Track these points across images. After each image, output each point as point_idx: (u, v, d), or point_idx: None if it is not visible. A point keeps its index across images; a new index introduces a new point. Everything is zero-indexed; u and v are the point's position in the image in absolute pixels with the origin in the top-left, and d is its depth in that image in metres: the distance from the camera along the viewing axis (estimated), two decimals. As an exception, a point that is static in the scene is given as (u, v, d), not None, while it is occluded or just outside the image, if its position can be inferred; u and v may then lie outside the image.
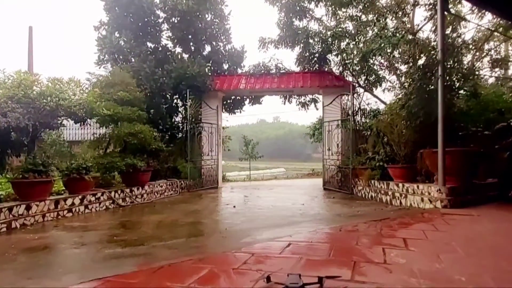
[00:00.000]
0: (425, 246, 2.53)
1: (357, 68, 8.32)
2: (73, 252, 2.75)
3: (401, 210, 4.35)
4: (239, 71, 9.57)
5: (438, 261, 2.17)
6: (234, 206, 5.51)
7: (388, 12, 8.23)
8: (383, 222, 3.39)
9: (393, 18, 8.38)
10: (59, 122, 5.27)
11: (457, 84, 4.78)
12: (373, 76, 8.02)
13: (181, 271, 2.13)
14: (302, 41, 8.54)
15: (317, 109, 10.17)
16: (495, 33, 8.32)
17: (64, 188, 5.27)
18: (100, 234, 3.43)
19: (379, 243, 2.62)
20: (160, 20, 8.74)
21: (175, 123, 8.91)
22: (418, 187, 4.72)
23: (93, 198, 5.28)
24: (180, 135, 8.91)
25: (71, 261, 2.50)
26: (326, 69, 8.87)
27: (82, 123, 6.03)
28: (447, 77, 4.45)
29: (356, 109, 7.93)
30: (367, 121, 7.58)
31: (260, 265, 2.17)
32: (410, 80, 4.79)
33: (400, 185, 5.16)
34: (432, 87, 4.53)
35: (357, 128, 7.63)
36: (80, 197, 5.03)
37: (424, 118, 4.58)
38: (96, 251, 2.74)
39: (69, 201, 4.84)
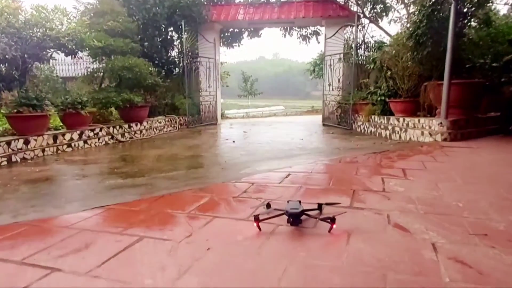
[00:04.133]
0: (424, 175, 2.55)
1: (363, -4, 7.77)
2: (75, 183, 2.78)
3: (400, 144, 4.36)
4: (237, 0, 8.95)
5: (436, 189, 2.19)
6: (234, 141, 5.52)
7: None
8: (382, 154, 3.39)
9: None
10: (48, 54, 5.03)
11: (471, 10, 4.47)
12: (380, 5, 7.51)
13: (182, 199, 2.15)
14: (305, -35, 7.85)
15: (318, 42, 9.75)
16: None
17: (61, 124, 5.22)
18: (101, 167, 3.45)
19: (378, 173, 2.63)
20: None
21: (171, 57, 8.57)
22: (419, 121, 4.67)
23: (91, 134, 5.25)
24: (177, 71, 8.64)
25: (73, 191, 2.53)
26: (330, -2, 8.29)
27: (73, 56, 5.78)
28: (460, 2, 4.14)
29: (360, 42, 7.59)
30: (371, 54, 7.29)
31: (260, 194, 2.19)
32: (420, 6, 4.46)
33: (401, 119, 5.12)
34: (443, 14, 4.24)
35: (360, 62, 7.36)
36: (78, 132, 4.99)
37: (432, 48, 4.36)
38: (98, 182, 2.76)
39: (67, 136, 4.81)
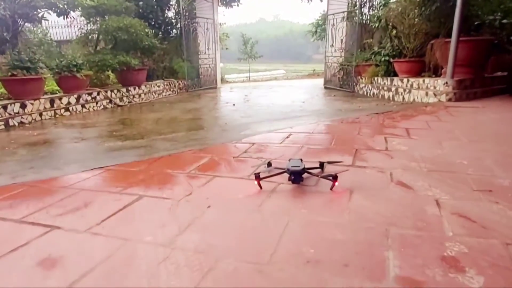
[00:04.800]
0: (428, 135, 2.50)
1: None
2: (74, 146, 2.75)
3: (404, 105, 4.28)
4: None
5: (440, 147, 2.15)
6: (234, 104, 5.44)
7: None
8: (385, 115, 3.33)
9: None
10: (40, 14, 4.82)
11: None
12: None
13: (182, 160, 2.13)
14: None
15: (321, 0, 9.33)
16: None
17: (58, 88, 5.12)
18: (99, 130, 3.41)
19: (381, 133, 2.58)
20: None
21: (168, 18, 8.25)
22: (423, 81, 4.55)
23: (89, 98, 5.16)
24: (174, 32, 8.35)
25: (72, 154, 2.50)
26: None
27: (66, 17, 5.55)
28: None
29: (364, 0, 7.25)
30: (375, 12, 6.99)
31: (260, 153, 2.16)
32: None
33: (405, 80, 4.99)
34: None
35: (364, 21, 7.08)
36: (75, 96, 4.91)
37: (440, 3, 4.15)
38: (96, 145, 2.73)
39: (64, 100, 4.74)
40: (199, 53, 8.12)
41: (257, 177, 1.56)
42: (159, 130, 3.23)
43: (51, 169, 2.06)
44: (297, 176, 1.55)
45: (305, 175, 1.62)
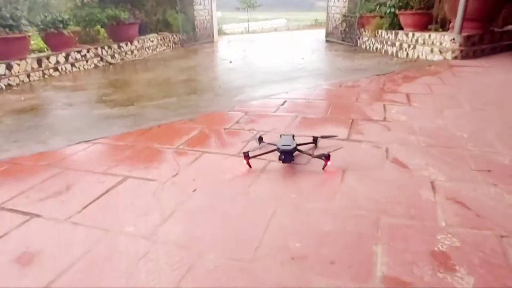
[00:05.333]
0: (429, 101, 2.39)
1: None
2: (60, 114, 2.65)
3: (407, 63, 4.09)
4: None
5: (441, 117, 2.06)
6: (231, 62, 5.23)
7: None
8: (386, 77, 3.18)
9: None
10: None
11: None
12: None
13: (171, 132, 2.04)
14: None
15: None
16: None
17: (45, 46, 4.90)
18: (89, 94, 3.29)
19: (380, 99, 2.47)
20: None
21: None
22: (429, 36, 4.30)
23: (78, 56, 4.95)
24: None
25: (58, 123, 2.42)
26: None
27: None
28: None
29: None
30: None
31: (252, 124, 2.07)
32: None
33: (410, 34, 4.73)
34: None
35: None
36: (64, 54, 4.70)
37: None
38: (84, 113, 2.64)
39: (52, 59, 4.54)
40: (193, 3, 7.67)
41: (246, 156, 1.49)
42: (151, 95, 3.11)
43: (35, 143, 1.99)
44: (287, 156, 1.48)
45: (297, 152, 1.55)
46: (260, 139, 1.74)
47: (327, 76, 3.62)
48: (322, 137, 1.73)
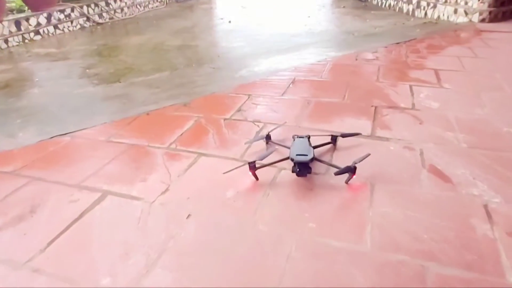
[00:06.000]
0: (462, 80, 2.05)
1: None
2: (37, 94, 2.32)
3: (427, 26, 3.65)
4: None
5: (480, 103, 1.74)
6: (230, 21, 4.76)
7: None
8: (408, 46, 2.79)
9: None
10: None
11: None
12: None
13: (162, 122, 1.74)
14: None
15: None
16: None
17: (23, 4, 4.40)
18: (71, 65, 2.92)
19: (404, 77, 2.13)
20: None
21: None
22: (454, -6, 3.82)
23: (62, 16, 4.47)
24: None
25: (33, 107, 2.10)
26: None
27: None
28: None
29: None
30: None
31: (257, 113, 1.76)
32: None
33: (431, -9, 4.21)
34: None
35: None
36: (45, 15, 4.23)
37: None
38: (63, 94, 2.30)
39: (33, 21, 4.09)
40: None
41: (252, 167, 1.21)
42: (140, 67, 2.75)
43: (4, 136, 1.70)
44: (303, 168, 1.19)
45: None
46: (268, 138, 1.45)
47: (339, 44, 3.22)
48: (343, 135, 1.44)
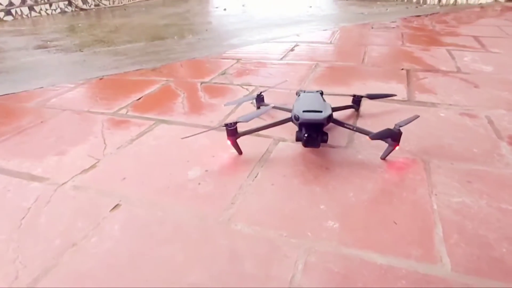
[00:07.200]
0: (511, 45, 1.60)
1: None
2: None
3: (447, 7, 3.22)
4: None
5: (547, 68, 1.29)
6: (225, 9, 4.34)
7: None
8: (431, 18, 2.35)
9: None
10: None
11: None
12: None
13: (117, 86, 1.28)
14: None
15: None
16: None
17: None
18: (32, 39, 2.47)
19: (438, 42, 1.68)
20: None
21: None
22: (475, -28, 3.40)
23: (39, -3, 4.03)
24: None
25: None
26: None
27: None
28: None
29: None
30: None
31: (247, 77, 1.31)
32: None
33: (448, -28, 3.79)
34: None
35: None
36: (18, -5, 3.79)
37: None
38: (14, 57, 1.85)
39: (4, 1, 3.65)
40: None
41: (231, 131, 0.74)
42: (112, 39, 2.29)
43: None
44: (314, 133, 0.73)
45: (330, 125, 0.80)
46: (260, 100, 0.99)
47: (349, 19, 2.78)
48: (370, 96, 0.97)
